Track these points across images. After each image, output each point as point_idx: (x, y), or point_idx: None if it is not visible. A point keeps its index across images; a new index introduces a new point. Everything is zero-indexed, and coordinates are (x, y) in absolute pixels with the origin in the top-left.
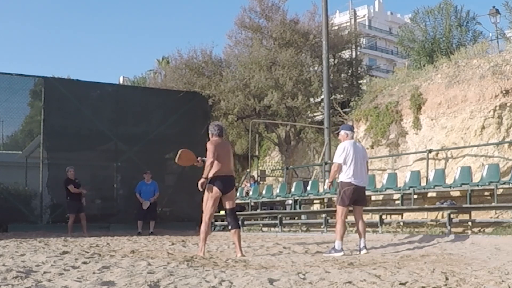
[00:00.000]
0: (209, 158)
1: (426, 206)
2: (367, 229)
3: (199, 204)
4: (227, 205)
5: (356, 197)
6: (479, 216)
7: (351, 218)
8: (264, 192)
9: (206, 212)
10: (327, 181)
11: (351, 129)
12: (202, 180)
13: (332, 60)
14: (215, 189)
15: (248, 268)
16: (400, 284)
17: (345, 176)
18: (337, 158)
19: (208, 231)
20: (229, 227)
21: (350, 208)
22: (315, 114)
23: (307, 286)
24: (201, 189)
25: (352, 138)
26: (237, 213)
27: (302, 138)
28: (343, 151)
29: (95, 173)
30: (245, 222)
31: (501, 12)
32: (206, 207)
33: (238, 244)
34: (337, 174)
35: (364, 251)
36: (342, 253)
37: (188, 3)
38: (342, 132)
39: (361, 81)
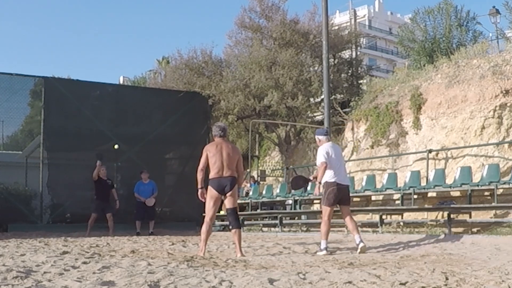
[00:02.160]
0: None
1: (426, 206)
2: (367, 229)
3: (199, 204)
4: (227, 204)
5: (341, 197)
6: (479, 216)
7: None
8: (264, 192)
9: (207, 213)
10: (315, 187)
11: (325, 133)
12: (199, 192)
13: (332, 60)
14: (212, 190)
15: (248, 268)
16: (400, 284)
17: (329, 176)
18: (321, 158)
19: (209, 231)
20: (230, 227)
21: (336, 209)
22: (315, 114)
23: (307, 286)
24: (202, 199)
25: (329, 140)
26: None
27: (302, 138)
28: (325, 152)
29: None
30: (245, 222)
31: (501, 12)
32: (206, 208)
33: (238, 244)
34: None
35: (361, 244)
36: (324, 252)
37: (188, 3)
38: (316, 138)
39: (361, 81)
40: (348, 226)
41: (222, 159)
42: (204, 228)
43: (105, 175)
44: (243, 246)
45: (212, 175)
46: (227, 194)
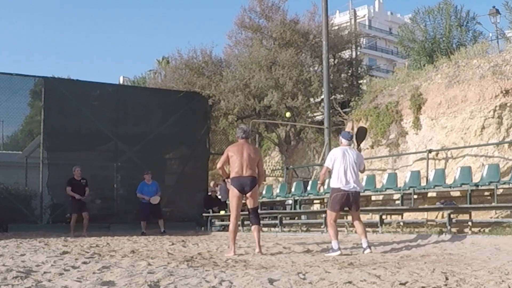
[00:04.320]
0: None
1: (426, 206)
2: (367, 229)
3: (199, 204)
4: (249, 204)
5: (348, 202)
6: (479, 216)
7: (350, 218)
8: (264, 192)
9: (231, 212)
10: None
11: (347, 137)
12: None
13: (332, 60)
14: (234, 189)
15: (248, 268)
16: (400, 284)
17: (334, 181)
18: (326, 162)
19: (236, 230)
20: (250, 224)
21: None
22: (315, 114)
23: (307, 286)
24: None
25: (348, 145)
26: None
27: (302, 138)
28: (331, 157)
29: (95, 173)
30: (245, 222)
31: (501, 12)
32: (230, 207)
33: (257, 241)
34: (325, 177)
35: (367, 250)
36: (339, 252)
37: (188, 3)
38: (339, 139)
39: (361, 81)
40: (356, 229)
41: (242, 159)
42: (231, 227)
43: (79, 176)
44: (242, 246)
45: (233, 174)
46: (248, 194)
